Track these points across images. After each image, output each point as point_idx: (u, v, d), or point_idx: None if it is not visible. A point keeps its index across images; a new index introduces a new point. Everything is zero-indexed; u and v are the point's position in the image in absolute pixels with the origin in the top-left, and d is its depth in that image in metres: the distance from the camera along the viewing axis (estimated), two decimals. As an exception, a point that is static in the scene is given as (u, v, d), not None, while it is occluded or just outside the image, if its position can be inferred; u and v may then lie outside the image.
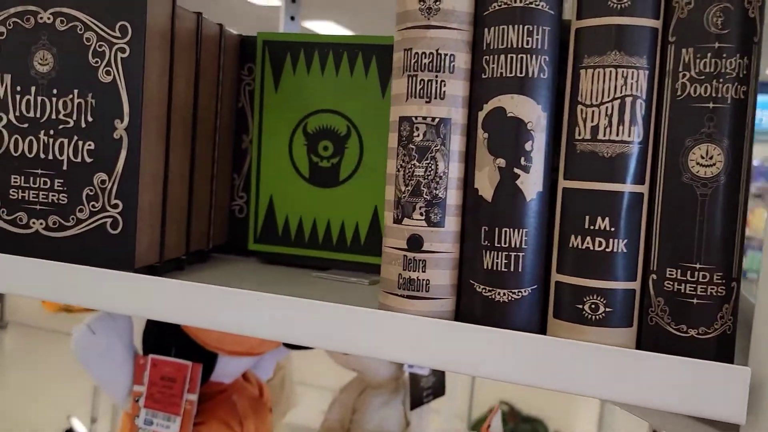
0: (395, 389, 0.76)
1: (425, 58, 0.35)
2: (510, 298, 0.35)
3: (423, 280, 0.36)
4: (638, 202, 0.33)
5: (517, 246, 0.34)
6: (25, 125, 0.49)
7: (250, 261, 0.65)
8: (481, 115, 0.35)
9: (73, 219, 0.49)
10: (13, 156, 0.49)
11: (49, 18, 0.48)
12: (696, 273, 0.32)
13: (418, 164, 0.35)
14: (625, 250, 0.33)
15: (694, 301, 0.32)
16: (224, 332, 0.67)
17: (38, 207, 0.49)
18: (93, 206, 0.49)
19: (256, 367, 0.79)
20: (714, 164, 0.31)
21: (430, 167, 0.35)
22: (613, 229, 0.33)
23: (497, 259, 0.34)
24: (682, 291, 0.32)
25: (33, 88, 0.49)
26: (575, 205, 0.34)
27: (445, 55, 0.35)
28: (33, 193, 0.49)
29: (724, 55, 0.31)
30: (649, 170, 0.33)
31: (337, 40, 0.60)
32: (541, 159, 0.34)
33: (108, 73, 0.48)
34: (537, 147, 0.34)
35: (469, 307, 0.36)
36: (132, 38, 0.47)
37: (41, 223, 0.49)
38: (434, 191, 0.35)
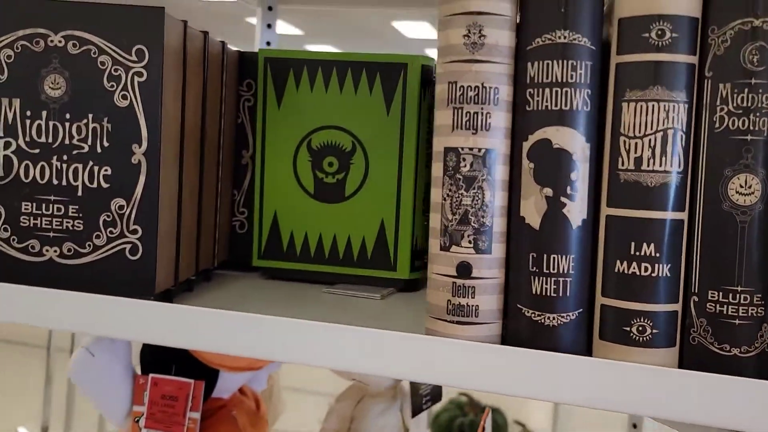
0: (393, 397, 0.77)
1: (471, 91, 0.36)
2: (559, 321, 0.36)
3: (472, 305, 0.37)
4: (679, 229, 0.35)
5: (565, 272, 0.36)
6: (36, 151, 0.48)
7: (252, 277, 0.65)
8: (526, 145, 0.36)
9: (89, 245, 0.48)
10: (23, 182, 0.48)
11: (60, 41, 0.47)
12: (738, 295, 0.34)
13: (465, 193, 0.36)
14: (668, 274, 0.35)
15: (736, 321, 0.34)
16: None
17: (52, 234, 0.48)
18: (110, 232, 0.48)
19: (251, 379, 0.78)
20: (752, 193, 0.34)
21: (478, 196, 0.36)
22: (657, 254, 0.35)
23: (546, 284, 0.36)
24: (725, 312, 0.34)
25: (44, 113, 0.48)
26: (620, 232, 0.35)
27: (490, 88, 0.36)
28: (46, 220, 0.48)
29: (760, 91, 0.33)
30: (688, 198, 0.35)
31: (341, 57, 0.61)
32: (585, 188, 0.36)
33: (124, 97, 0.47)
34: (581, 176, 0.35)
35: (517, 331, 0.37)
36: (149, 62, 0.47)
37: (55, 251, 0.48)
38: (481, 219, 0.36)
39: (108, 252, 0.48)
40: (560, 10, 0.35)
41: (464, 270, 0.37)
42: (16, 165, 0.48)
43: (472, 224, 0.36)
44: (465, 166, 0.36)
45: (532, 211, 0.36)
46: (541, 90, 0.35)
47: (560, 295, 0.36)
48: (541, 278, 0.36)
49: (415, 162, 0.60)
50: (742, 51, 0.33)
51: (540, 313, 0.36)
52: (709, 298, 0.35)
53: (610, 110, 0.35)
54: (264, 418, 0.75)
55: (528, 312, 0.36)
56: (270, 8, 1.00)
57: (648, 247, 0.35)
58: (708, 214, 0.35)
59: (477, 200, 0.36)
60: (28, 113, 0.48)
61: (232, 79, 0.63)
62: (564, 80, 0.35)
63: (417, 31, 6.06)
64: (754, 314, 0.34)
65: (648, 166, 0.34)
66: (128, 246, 0.48)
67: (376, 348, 0.38)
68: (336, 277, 0.62)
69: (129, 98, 0.47)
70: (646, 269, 0.35)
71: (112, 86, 0.47)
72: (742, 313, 0.34)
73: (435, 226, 0.38)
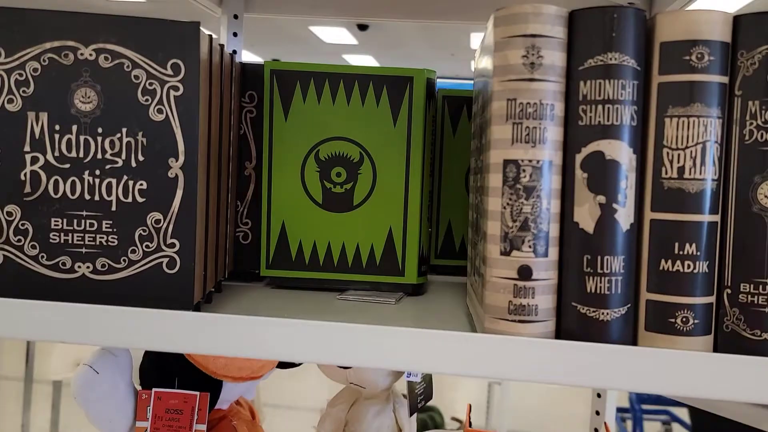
0: (387, 398, 0.79)
1: (530, 107, 0.39)
2: (611, 316, 0.40)
3: (532, 305, 0.40)
4: (715, 229, 0.39)
5: (616, 271, 0.39)
6: (67, 165, 0.47)
7: (258, 287, 0.66)
8: (579, 157, 0.39)
9: (124, 261, 0.48)
10: (52, 198, 0.47)
11: (91, 54, 0.47)
12: (767, 286, 0.39)
13: (525, 202, 0.39)
14: (707, 270, 0.39)
15: (766, 309, 0.39)
16: (231, 358, 0.67)
17: (84, 250, 0.47)
18: (147, 246, 0.48)
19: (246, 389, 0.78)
20: (778, 197, 0.38)
21: (537, 204, 0.39)
22: (698, 252, 0.39)
23: (600, 283, 0.39)
24: (756, 302, 0.39)
25: (74, 127, 0.47)
26: (664, 233, 0.39)
27: (546, 104, 0.39)
28: (78, 236, 0.47)
29: (784, 107, 0.38)
30: (721, 202, 0.40)
31: (348, 70, 0.62)
32: (632, 195, 0.39)
33: (160, 111, 0.47)
34: (630, 185, 0.39)
35: (571, 327, 0.40)
36: (185, 76, 0.47)
37: (88, 267, 0.47)
38: (540, 225, 0.40)
39: (144, 266, 0.48)
40: (612, 35, 0.38)
41: (525, 272, 0.40)
42: (44, 180, 0.47)
43: (532, 230, 0.39)
44: (525, 176, 0.39)
45: (586, 217, 0.39)
46: (593, 106, 0.39)
47: (612, 292, 0.39)
48: (595, 278, 0.39)
49: (421, 171, 0.62)
50: (769, 73, 0.38)
51: (594, 310, 0.40)
52: (741, 290, 0.39)
53: (652, 124, 0.39)
54: (260, 427, 0.76)
55: (582, 309, 0.40)
56: (236, 16, 1.00)
57: (690, 246, 0.39)
58: (739, 216, 0.39)
59: (536, 208, 0.39)
60: (57, 127, 0.47)
61: (237, 91, 0.63)
62: (614, 98, 0.39)
63: (334, 37, 6.08)
64: (782, 303, 0.39)
65: (689, 174, 0.39)
66: (165, 260, 0.48)
67: (439, 348, 0.40)
68: (344, 284, 0.64)
69: (165, 112, 0.47)
70: (688, 266, 0.39)
71: (147, 100, 0.47)
72: (772, 302, 0.39)
73: (494, 233, 0.40)
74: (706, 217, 0.39)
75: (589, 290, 0.40)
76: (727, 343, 0.40)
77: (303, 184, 0.63)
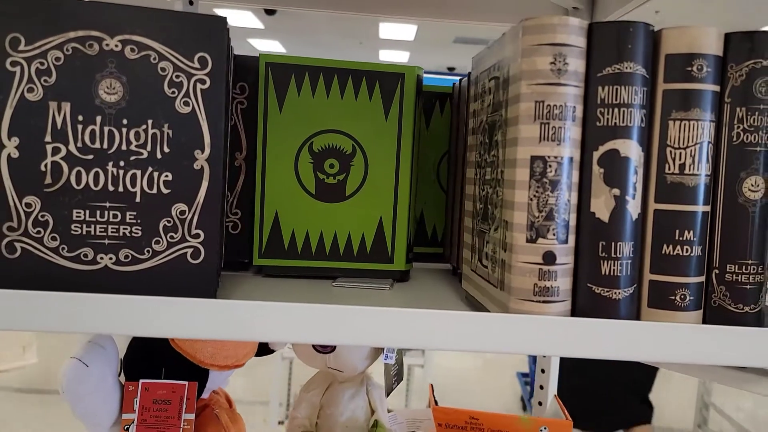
0: (361, 381, 0.83)
1: (556, 109, 0.43)
2: (621, 295, 0.45)
3: (555, 287, 0.44)
4: (707, 218, 0.45)
5: (627, 255, 0.45)
6: (90, 157, 0.47)
7: (248, 276, 0.67)
8: (596, 154, 0.44)
9: (148, 251, 0.48)
10: (74, 189, 0.47)
11: (116, 45, 0.47)
12: (749, 267, 0.45)
13: (551, 194, 0.44)
14: (700, 254, 0.45)
15: (747, 286, 0.45)
16: (219, 347, 0.68)
17: (107, 242, 0.48)
18: (171, 237, 0.48)
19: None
20: (760, 190, 0.45)
21: (560, 196, 0.44)
22: (694, 238, 0.45)
23: (613, 266, 0.44)
24: (740, 280, 0.45)
25: (98, 118, 0.47)
26: (667, 222, 0.45)
27: (570, 106, 0.44)
28: (100, 228, 0.47)
29: (766, 114, 0.44)
30: (712, 194, 0.46)
31: (342, 65, 0.65)
32: (640, 188, 0.45)
33: (186, 104, 0.48)
34: (639, 179, 0.45)
35: (586, 305, 0.45)
36: (212, 70, 0.48)
37: (111, 258, 0.48)
38: (563, 216, 0.44)
39: (168, 257, 0.49)
40: (628, 46, 0.43)
41: (550, 258, 0.44)
42: (66, 171, 0.47)
43: (556, 220, 0.44)
44: (551, 171, 0.44)
45: (602, 208, 0.44)
46: (610, 109, 0.44)
47: (623, 274, 0.45)
48: (608, 261, 0.45)
49: (410, 163, 0.66)
50: (754, 84, 0.44)
51: (607, 290, 0.45)
52: (728, 270, 0.46)
53: (657, 126, 0.45)
54: (238, 414, 0.77)
55: (597, 289, 0.45)
56: (191, 2, 0.99)
57: (688, 233, 0.45)
58: (727, 206, 0.45)
59: (559, 200, 0.44)
60: (80, 118, 0.47)
61: (230, 83, 0.64)
62: (629, 102, 0.44)
63: (239, 20, 5.96)
64: (759, 280, 0.45)
65: (689, 170, 0.44)
66: (190, 250, 0.49)
67: (469, 328, 0.44)
68: (335, 271, 0.67)
69: (191, 105, 0.48)
70: (686, 250, 0.45)
71: (173, 93, 0.48)
72: (752, 279, 0.45)
73: (520, 222, 0.45)
74: (700, 208, 0.45)
75: (603, 272, 0.45)
76: (714, 316, 0.46)
77: (296, 174, 0.65)
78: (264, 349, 0.79)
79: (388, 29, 6.19)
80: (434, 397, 0.92)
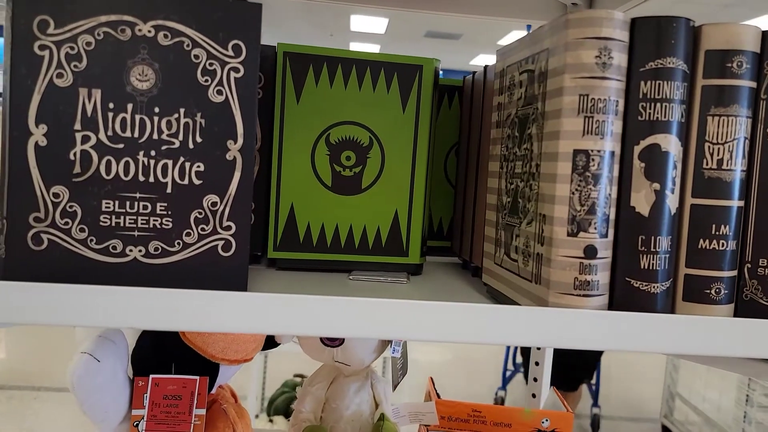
0: (366, 375, 0.82)
1: (600, 103, 0.43)
2: (659, 289, 0.45)
3: (595, 281, 0.45)
4: (741, 213, 0.46)
5: (666, 249, 0.45)
6: (120, 145, 0.46)
7: (261, 268, 0.66)
8: (637, 149, 0.45)
9: (178, 243, 0.47)
10: (104, 179, 0.45)
11: (149, 31, 0.45)
12: (781, 261, 0.46)
13: (593, 188, 0.44)
14: (734, 248, 0.46)
15: (780, 280, 0.46)
16: (230, 341, 0.67)
17: (137, 233, 0.46)
18: (202, 229, 0.47)
19: (226, 372, 0.78)
20: (793, 185, 0.46)
21: (602, 190, 0.44)
22: (729, 233, 0.45)
23: (652, 260, 0.45)
24: (772, 274, 0.46)
25: (130, 106, 0.45)
26: (704, 217, 0.45)
27: (614, 100, 0.44)
28: (130, 219, 0.46)
29: (800, 111, 0.45)
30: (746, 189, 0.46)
31: (361, 56, 0.64)
32: (679, 182, 0.45)
33: (219, 92, 0.47)
34: (678, 173, 0.45)
35: (623, 299, 0.46)
36: (246, 58, 0.47)
37: (140, 250, 0.46)
38: (604, 210, 0.44)
39: (199, 249, 0.47)
40: (671, 41, 0.44)
41: (591, 252, 0.44)
42: (95, 160, 0.45)
43: (597, 214, 0.44)
44: (594, 165, 0.44)
45: (642, 202, 0.45)
46: (652, 104, 0.44)
47: (661, 268, 0.45)
48: (648, 255, 0.45)
49: (427, 156, 0.65)
50: (789, 81, 0.45)
51: (645, 284, 0.45)
52: (760, 264, 0.46)
53: (695, 121, 0.45)
54: (244, 409, 0.76)
55: (636, 283, 0.45)
56: None
57: (724, 227, 0.45)
58: (760, 201, 0.46)
59: (601, 194, 0.44)
60: (111, 105, 0.45)
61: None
62: (671, 97, 0.44)
63: None
64: (792, 274, 0.46)
65: (726, 166, 0.45)
66: (221, 243, 0.48)
67: (515, 321, 0.44)
68: (350, 264, 0.66)
69: (224, 93, 0.47)
70: (722, 245, 0.45)
71: (207, 81, 0.46)
72: (784, 274, 0.46)
73: (561, 216, 0.45)
74: (736, 203, 0.46)
75: (642, 266, 0.45)
76: (745, 310, 0.47)
77: (313, 166, 0.64)
78: (270, 343, 0.78)
79: (360, 21, 6.16)
80: (435, 390, 0.92)
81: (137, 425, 0.65)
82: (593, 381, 3.07)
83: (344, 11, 5.56)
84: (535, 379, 1.07)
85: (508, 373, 3.30)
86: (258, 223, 0.66)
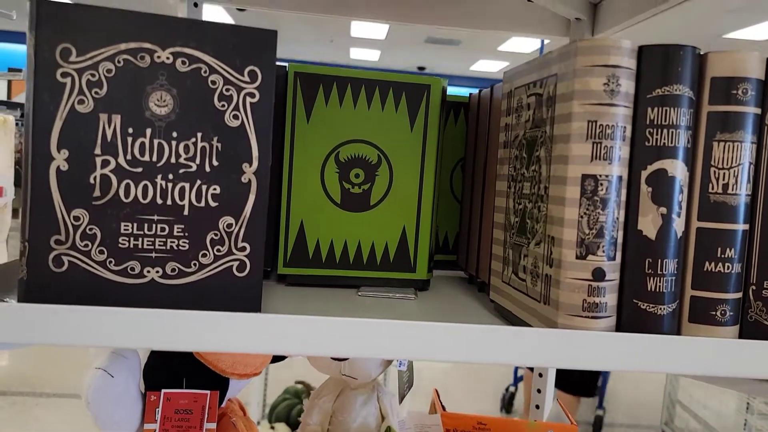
0: (372, 388, 0.83)
1: (608, 129, 0.45)
2: (665, 311, 0.46)
3: (603, 303, 0.46)
4: (746, 236, 0.47)
5: (672, 272, 0.46)
6: (139, 169, 0.47)
7: (271, 284, 0.67)
8: (644, 173, 0.46)
9: (195, 264, 0.48)
10: (123, 202, 0.47)
11: (168, 58, 0.46)
12: (785, 283, 0.47)
13: (601, 212, 0.45)
14: (739, 270, 0.47)
15: (784, 302, 0.47)
16: (240, 356, 0.68)
17: (154, 255, 0.47)
18: (218, 250, 0.48)
19: (235, 386, 0.79)
20: (796, 209, 0.47)
21: (610, 214, 0.45)
22: (735, 255, 0.46)
23: (659, 283, 0.46)
24: (777, 296, 0.47)
25: (148, 131, 0.46)
26: (709, 240, 0.46)
27: (621, 126, 0.45)
28: (148, 241, 0.47)
29: (803, 136, 0.46)
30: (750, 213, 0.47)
31: (370, 76, 0.65)
32: (685, 206, 0.46)
33: (236, 117, 0.48)
34: (684, 197, 0.46)
35: (631, 321, 0.47)
36: (262, 83, 0.48)
37: (157, 271, 0.47)
38: (612, 233, 0.45)
39: (214, 270, 0.48)
40: (678, 69, 0.45)
41: (599, 274, 0.45)
42: (114, 184, 0.46)
43: (606, 237, 0.45)
44: (602, 190, 0.45)
45: (649, 226, 0.46)
46: (659, 130, 0.45)
47: (667, 290, 0.46)
48: (654, 278, 0.46)
49: (434, 173, 0.67)
50: (793, 107, 0.46)
51: (652, 305, 0.46)
52: (764, 286, 0.47)
53: (701, 146, 0.46)
54: (252, 422, 0.77)
55: (642, 305, 0.46)
56: (195, 5, 0.99)
57: (730, 250, 0.46)
58: (765, 224, 0.47)
59: (609, 217, 0.45)
60: (130, 130, 0.46)
61: (259, 92, 0.64)
62: (677, 123, 0.45)
63: (210, 16, 5.90)
64: (796, 296, 0.47)
65: (732, 190, 0.46)
66: (236, 263, 0.49)
67: (525, 342, 0.45)
68: (358, 280, 0.67)
69: (240, 118, 0.48)
70: (727, 267, 0.46)
71: (223, 106, 0.47)
72: (788, 295, 0.47)
73: (570, 239, 0.46)
74: (741, 226, 0.47)
75: (649, 289, 0.46)
76: (750, 331, 0.48)
77: (322, 184, 0.65)
78: (277, 356, 0.79)
79: (360, 27, 6.19)
80: (441, 403, 0.93)
81: (149, 439, 0.66)
82: (599, 383, 3.10)
83: (345, 17, 5.57)
84: (539, 391, 1.08)
85: (520, 372, 3.33)
86: (268, 239, 0.67)
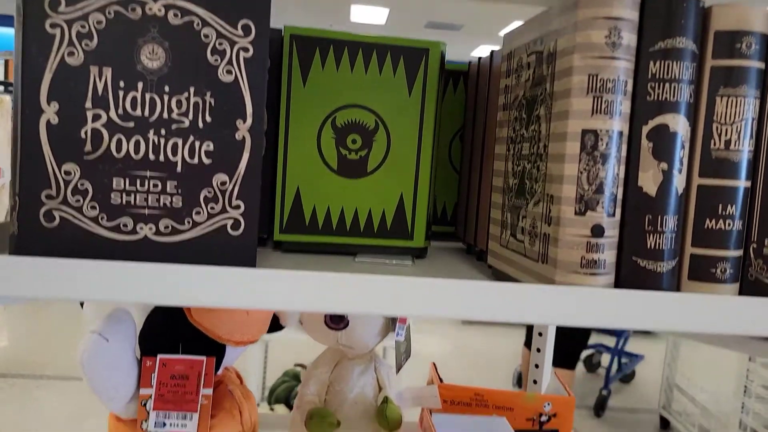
0: (370, 359, 0.83)
1: (609, 83, 0.44)
2: (664, 268, 0.46)
3: (602, 260, 0.45)
4: (747, 193, 0.46)
5: (673, 229, 0.45)
6: (131, 124, 0.46)
7: (268, 251, 0.66)
8: (646, 128, 0.45)
9: (188, 222, 0.47)
10: (114, 157, 0.46)
11: (159, 10, 0.45)
12: (787, 241, 0.46)
13: (601, 167, 0.44)
14: (740, 228, 0.46)
15: (785, 260, 0.47)
16: (237, 323, 0.68)
17: (147, 212, 0.46)
18: (211, 208, 0.48)
19: (231, 355, 0.78)
20: (799, 166, 0.46)
21: (610, 170, 0.44)
22: (736, 213, 0.46)
23: (659, 240, 0.45)
24: (778, 254, 0.46)
25: (140, 84, 0.46)
26: (711, 197, 0.46)
27: (623, 80, 0.44)
28: (141, 197, 0.46)
29: (807, 91, 0.46)
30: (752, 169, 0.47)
31: (367, 39, 0.64)
32: (686, 162, 0.46)
33: (229, 72, 0.47)
34: (685, 153, 0.45)
35: (629, 278, 0.46)
36: (256, 38, 0.47)
37: (151, 228, 0.47)
38: (611, 189, 0.45)
39: (209, 228, 0.48)
40: (681, 21, 0.44)
41: (598, 231, 0.45)
42: (106, 139, 0.45)
43: (605, 193, 0.44)
44: (602, 145, 0.44)
45: (650, 182, 0.45)
46: (661, 84, 0.44)
47: (667, 247, 0.46)
48: (654, 235, 0.45)
49: (432, 139, 0.66)
50: (797, 61, 0.45)
51: (652, 263, 0.45)
52: (765, 244, 0.47)
53: (704, 101, 0.46)
54: (249, 391, 0.76)
55: (642, 262, 0.46)
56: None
57: (731, 207, 0.46)
58: (766, 181, 0.46)
59: (609, 173, 0.44)
60: (122, 84, 0.45)
61: (255, 54, 0.63)
62: (680, 77, 0.44)
63: None
64: (797, 254, 0.47)
65: (734, 146, 0.45)
66: (230, 221, 0.48)
67: (522, 299, 0.45)
68: (355, 247, 0.66)
69: (234, 73, 0.47)
70: (728, 224, 0.46)
71: (216, 60, 0.47)
72: (790, 254, 0.47)
73: (569, 195, 0.45)
74: (742, 183, 0.46)
75: (648, 246, 0.45)
76: (750, 289, 0.47)
77: (319, 149, 0.65)
78: (274, 326, 0.78)
79: (360, 12, 6.15)
80: (438, 375, 0.93)
81: (145, 404, 0.65)
82: (605, 365, 3.12)
83: (345, 1, 5.54)
84: (537, 366, 1.08)
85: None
86: (264, 205, 0.67)
